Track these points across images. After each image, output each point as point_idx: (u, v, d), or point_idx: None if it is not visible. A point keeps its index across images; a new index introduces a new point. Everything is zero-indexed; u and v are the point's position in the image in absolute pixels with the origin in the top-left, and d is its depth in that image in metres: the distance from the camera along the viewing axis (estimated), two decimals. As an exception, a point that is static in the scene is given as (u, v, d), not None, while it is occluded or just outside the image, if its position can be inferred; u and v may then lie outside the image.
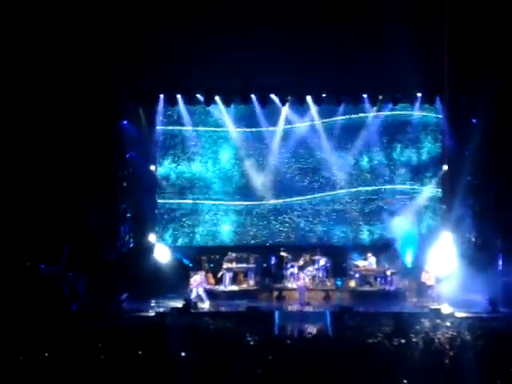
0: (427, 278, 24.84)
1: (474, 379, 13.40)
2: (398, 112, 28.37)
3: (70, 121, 24.96)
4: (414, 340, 15.91)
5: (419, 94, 27.64)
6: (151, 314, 22.63)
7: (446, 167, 27.73)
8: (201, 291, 25.03)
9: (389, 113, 28.34)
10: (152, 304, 24.83)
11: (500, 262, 25.41)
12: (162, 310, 23.26)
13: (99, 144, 25.72)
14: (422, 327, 17.75)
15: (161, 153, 28.82)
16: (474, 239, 26.73)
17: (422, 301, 24.78)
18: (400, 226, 27.73)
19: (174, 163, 28.82)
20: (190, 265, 27.42)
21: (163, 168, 28.83)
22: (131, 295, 24.56)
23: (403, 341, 15.90)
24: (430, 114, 28.31)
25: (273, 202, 28.76)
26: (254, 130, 28.75)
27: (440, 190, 28.26)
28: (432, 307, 22.84)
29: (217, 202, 28.77)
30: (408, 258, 26.85)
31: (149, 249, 27.70)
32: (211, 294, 25.49)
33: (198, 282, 25.07)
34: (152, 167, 28.50)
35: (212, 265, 27.34)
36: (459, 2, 24.12)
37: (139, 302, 24.56)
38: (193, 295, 24.81)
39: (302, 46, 25.56)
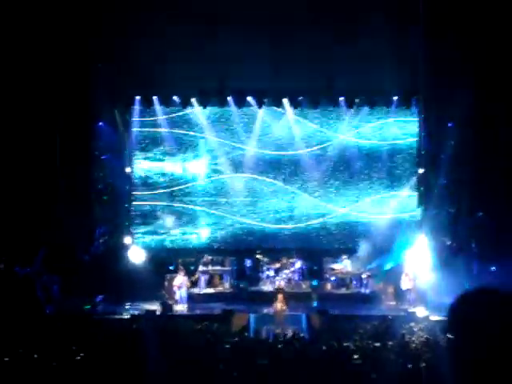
0: (405, 281, 24.80)
1: (449, 382, 13.41)
2: (374, 116, 28.44)
3: (45, 121, 24.84)
4: (390, 343, 15.94)
5: (395, 97, 27.64)
6: (126, 316, 22.49)
7: (421, 170, 27.77)
8: (184, 293, 24.93)
9: (366, 114, 28.38)
10: (127, 306, 24.63)
11: (475, 266, 25.53)
12: (137, 312, 23.10)
13: (75, 145, 25.62)
14: (398, 330, 17.77)
15: (137, 154, 28.64)
16: (449, 243, 26.78)
17: (397, 304, 24.80)
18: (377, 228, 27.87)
19: (151, 165, 28.65)
20: (172, 268, 27.21)
21: (139, 170, 28.68)
22: (106, 297, 24.44)
23: (378, 344, 15.92)
24: (405, 117, 28.34)
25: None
26: (229, 133, 28.69)
27: (416, 194, 28.27)
28: (408, 310, 22.87)
29: (190, 206, 28.68)
30: (384, 260, 26.83)
31: (124, 251, 27.52)
32: (187, 297, 25.36)
33: (180, 284, 24.94)
34: (128, 169, 28.34)
35: (188, 267, 27.18)
36: (436, 5, 24.25)
37: (114, 304, 24.44)
38: (177, 296, 24.73)
39: (279, 47, 25.60)
